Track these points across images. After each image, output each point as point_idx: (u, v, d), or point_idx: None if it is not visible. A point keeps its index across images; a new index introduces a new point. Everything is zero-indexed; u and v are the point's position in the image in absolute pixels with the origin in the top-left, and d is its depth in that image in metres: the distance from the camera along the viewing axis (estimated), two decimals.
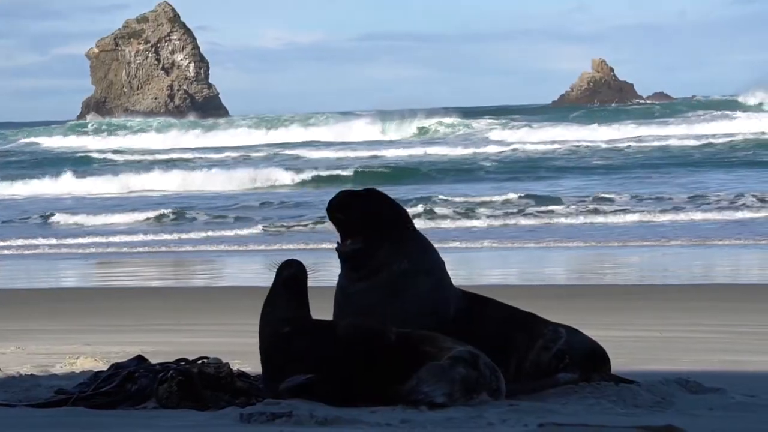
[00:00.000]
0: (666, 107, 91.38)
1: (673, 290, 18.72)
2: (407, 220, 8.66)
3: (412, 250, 8.54)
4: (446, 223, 32.20)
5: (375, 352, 7.90)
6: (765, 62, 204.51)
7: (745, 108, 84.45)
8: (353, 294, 8.44)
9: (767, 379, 9.91)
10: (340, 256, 8.50)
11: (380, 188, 8.75)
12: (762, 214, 31.30)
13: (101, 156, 69.19)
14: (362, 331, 8.03)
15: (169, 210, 37.26)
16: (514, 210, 34.37)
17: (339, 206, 8.53)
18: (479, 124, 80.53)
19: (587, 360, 8.61)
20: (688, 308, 15.89)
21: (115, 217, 36.54)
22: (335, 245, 8.52)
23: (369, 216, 8.49)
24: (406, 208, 8.86)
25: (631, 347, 11.55)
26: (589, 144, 62.33)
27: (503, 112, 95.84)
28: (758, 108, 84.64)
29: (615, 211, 33.16)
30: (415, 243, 8.60)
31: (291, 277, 8.13)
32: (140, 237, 31.11)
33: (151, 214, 36.57)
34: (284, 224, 33.08)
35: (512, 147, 62.31)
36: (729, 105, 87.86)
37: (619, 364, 8.85)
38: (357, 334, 8.01)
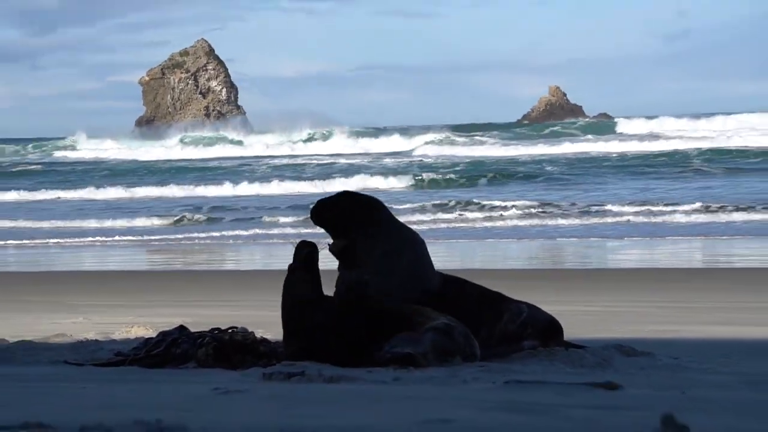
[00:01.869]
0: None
1: (611, 273, 18.74)
2: (379, 210, 8.60)
3: (385, 236, 8.48)
4: None
5: (364, 323, 7.93)
6: (683, 91, 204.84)
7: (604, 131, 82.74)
8: (348, 281, 8.41)
9: (688, 344, 9.92)
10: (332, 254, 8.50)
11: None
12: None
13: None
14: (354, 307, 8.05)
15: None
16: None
17: (316, 215, 8.55)
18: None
19: (546, 330, 8.63)
20: (624, 288, 15.90)
21: None
22: (327, 245, 8.51)
23: (342, 218, 8.47)
24: None
25: (579, 319, 11.57)
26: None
27: (472, 129, 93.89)
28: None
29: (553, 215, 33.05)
30: (388, 228, 8.54)
31: (308, 254, 8.14)
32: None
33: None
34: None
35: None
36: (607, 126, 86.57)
37: (569, 333, 8.87)
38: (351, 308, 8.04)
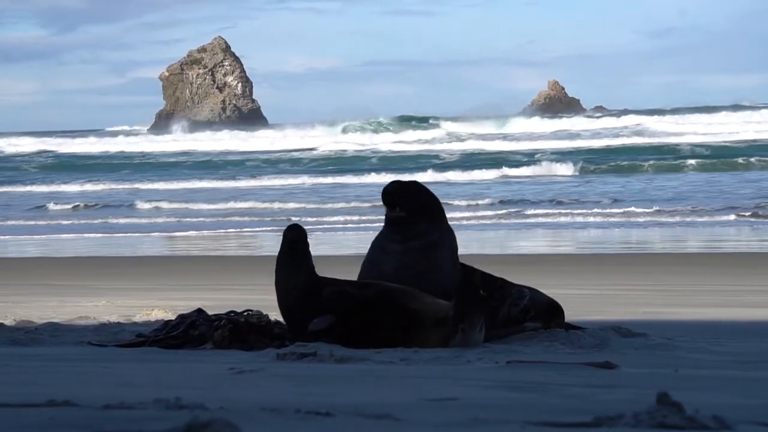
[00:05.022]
0: None
1: (609, 258, 18.75)
2: (441, 208, 8.64)
3: (443, 229, 8.53)
4: None
5: (355, 308, 7.90)
6: (675, 83, 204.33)
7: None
8: (391, 252, 8.41)
9: (679, 325, 9.92)
10: (387, 221, 8.45)
11: None
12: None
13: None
14: (344, 294, 7.99)
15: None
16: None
17: (390, 192, 8.49)
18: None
19: (547, 312, 8.62)
20: (620, 272, 15.92)
21: None
22: (384, 215, 8.49)
23: (411, 199, 8.47)
24: None
25: (578, 302, 11.57)
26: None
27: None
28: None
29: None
30: (445, 225, 8.59)
31: (292, 242, 8.08)
32: None
33: None
34: None
35: None
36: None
37: (568, 315, 8.86)
38: (339, 296, 7.98)
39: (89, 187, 47.37)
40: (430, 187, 8.71)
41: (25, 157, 70.49)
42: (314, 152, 64.99)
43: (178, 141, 79.02)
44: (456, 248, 8.60)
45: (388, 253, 8.41)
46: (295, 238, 8.06)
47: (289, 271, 8.05)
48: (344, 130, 78.81)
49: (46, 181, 51.36)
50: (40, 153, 73.60)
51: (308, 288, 7.99)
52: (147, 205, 36.35)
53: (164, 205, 36.34)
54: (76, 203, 37.78)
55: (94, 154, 71.09)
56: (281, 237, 8.18)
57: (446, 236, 8.55)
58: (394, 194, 8.52)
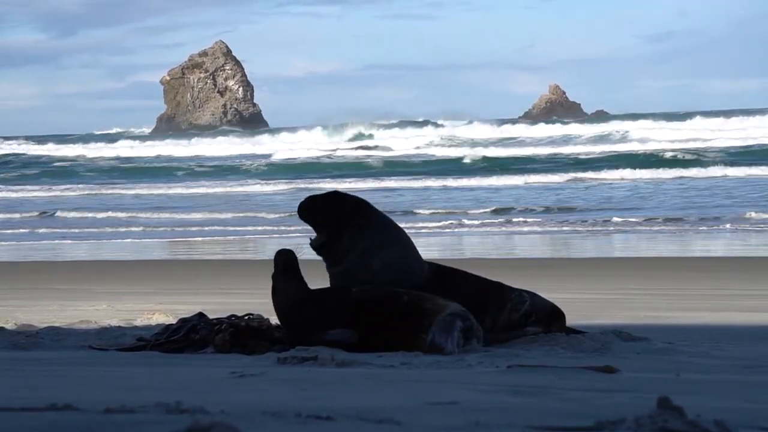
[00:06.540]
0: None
1: (610, 263, 18.75)
2: (366, 209, 8.51)
3: (370, 233, 8.41)
4: None
5: (387, 313, 7.89)
6: (676, 87, 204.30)
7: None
8: (334, 276, 8.38)
9: (680, 330, 9.92)
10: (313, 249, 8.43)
11: None
12: None
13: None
14: (374, 296, 8.00)
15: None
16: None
17: (304, 209, 8.47)
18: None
19: (548, 317, 8.61)
20: (620, 276, 15.91)
21: None
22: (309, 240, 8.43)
23: (328, 214, 8.40)
24: None
25: (579, 306, 11.56)
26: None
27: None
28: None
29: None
30: (373, 226, 8.44)
31: (285, 262, 8.14)
32: None
33: None
34: None
35: None
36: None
37: (569, 319, 8.86)
38: (369, 298, 7.99)
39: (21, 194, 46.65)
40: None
41: None
42: (299, 157, 65.04)
43: (133, 148, 78.67)
44: (401, 240, 8.49)
45: (334, 277, 8.40)
46: (285, 259, 8.13)
47: (284, 287, 8.11)
48: (349, 138, 78.99)
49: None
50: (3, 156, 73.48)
51: (302, 299, 8.03)
52: (69, 215, 35.13)
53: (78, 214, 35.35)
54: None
55: (55, 157, 71.09)
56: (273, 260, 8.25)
57: (381, 235, 8.43)
58: (309, 211, 8.44)
